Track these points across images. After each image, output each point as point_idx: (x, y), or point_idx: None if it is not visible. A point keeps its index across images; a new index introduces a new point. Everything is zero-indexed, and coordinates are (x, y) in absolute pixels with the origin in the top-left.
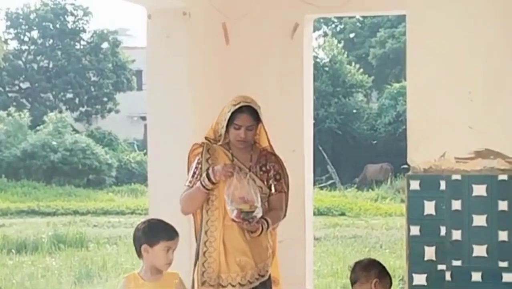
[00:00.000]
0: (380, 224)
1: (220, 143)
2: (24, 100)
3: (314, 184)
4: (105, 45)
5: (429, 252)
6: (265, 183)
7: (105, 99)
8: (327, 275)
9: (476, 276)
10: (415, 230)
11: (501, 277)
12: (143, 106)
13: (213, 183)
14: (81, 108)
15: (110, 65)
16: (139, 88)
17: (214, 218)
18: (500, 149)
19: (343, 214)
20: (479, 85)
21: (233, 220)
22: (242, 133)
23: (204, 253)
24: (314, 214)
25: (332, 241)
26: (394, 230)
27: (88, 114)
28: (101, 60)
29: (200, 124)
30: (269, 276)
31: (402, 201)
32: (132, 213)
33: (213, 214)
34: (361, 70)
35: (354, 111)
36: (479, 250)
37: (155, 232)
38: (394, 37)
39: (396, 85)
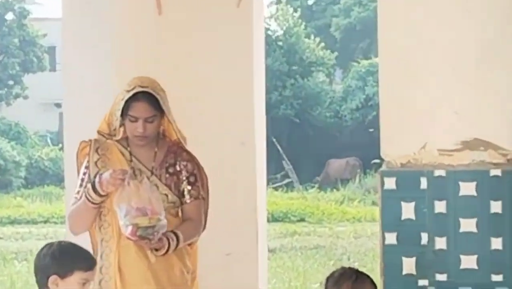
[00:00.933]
0: (347, 231)
1: (116, 138)
2: None
3: (268, 184)
4: (9, 16)
5: (408, 265)
6: (174, 188)
7: (11, 82)
8: None
9: None
10: (390, 238)
11: None
12: (58, 90)
13: (101, 196)
14: None
15: (16, 40)
16: (53, 68)
17: (108, 237)
18: (492, 138)
19: (302, 220)
20: (467, 62)
21: (128, 238)
22: (140, 127)
23: (100, 283)
24: (268, 220)
25: (289, 253)
26: (364, 238)
27: None
28: (5, 35)
29: None
30: None
31: (374, 203)
32: (45, 222)
33: (107, 232)
34: (322, 44)
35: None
36: (468, 261)
37: (69, 259)
38: (362, 4)
39: (365, 62)
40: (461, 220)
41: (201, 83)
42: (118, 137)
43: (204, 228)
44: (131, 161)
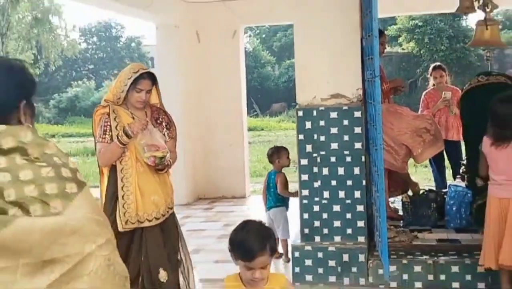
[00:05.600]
0: (283, 134)
1: (119, 103)
2: None
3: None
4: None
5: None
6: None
7: None
8: (255, 161)
9: None
10: (301, 137)
11: None
12: None
13: (130, 138)
14: None
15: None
16: None
17: (128, 166)
18: (344, 93)
19: (263, 130)
20: (334, 58)
21: (149, 165)
22: (143, 95)
23: (122, 197)
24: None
25: (258, 144)
26: (291, 137)
27: None
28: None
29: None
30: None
31: (293, 122)
32: None
33: (127, 163)
34: (269, 52)
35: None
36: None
37: (233, 250)
38: (287, 35)
39: (291, 61)
40: (331, 128)
41: (215, 71)
42: (119, 103)
43: (176, 158)
44: (133, 118)
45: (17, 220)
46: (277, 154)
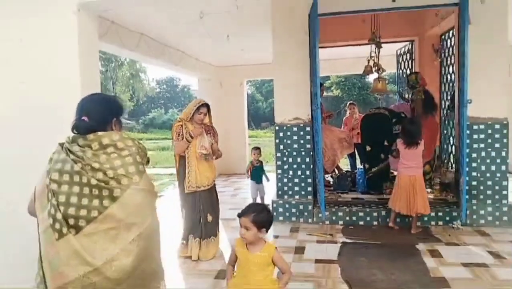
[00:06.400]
0: (268, 140)
1: (187, 121)
2: None
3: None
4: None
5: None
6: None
7: None
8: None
9: None
10: (277, 141)
11: None
12: None
13: (192, 138)
14: None
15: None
16: None
17: (191, 156)
18: (301, 117)
19: (256, 137)
20: (295, 98)
21: (200, 156)
22: (202, 116)
23: (188, 172)
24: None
25: (252, 142)
26: (272, 141)
27: None
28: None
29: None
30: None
31: (273, 132)
32: None
33: (191, 154)
34: (260, 94)
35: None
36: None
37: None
38: (270, 85)
39: (272, 99)
40: (294, 136)
41: (225, 109)
42: (187, 120)
43: (220, 155)
44: (194, 128)
45: (120, 197)
46: (252, 151)
